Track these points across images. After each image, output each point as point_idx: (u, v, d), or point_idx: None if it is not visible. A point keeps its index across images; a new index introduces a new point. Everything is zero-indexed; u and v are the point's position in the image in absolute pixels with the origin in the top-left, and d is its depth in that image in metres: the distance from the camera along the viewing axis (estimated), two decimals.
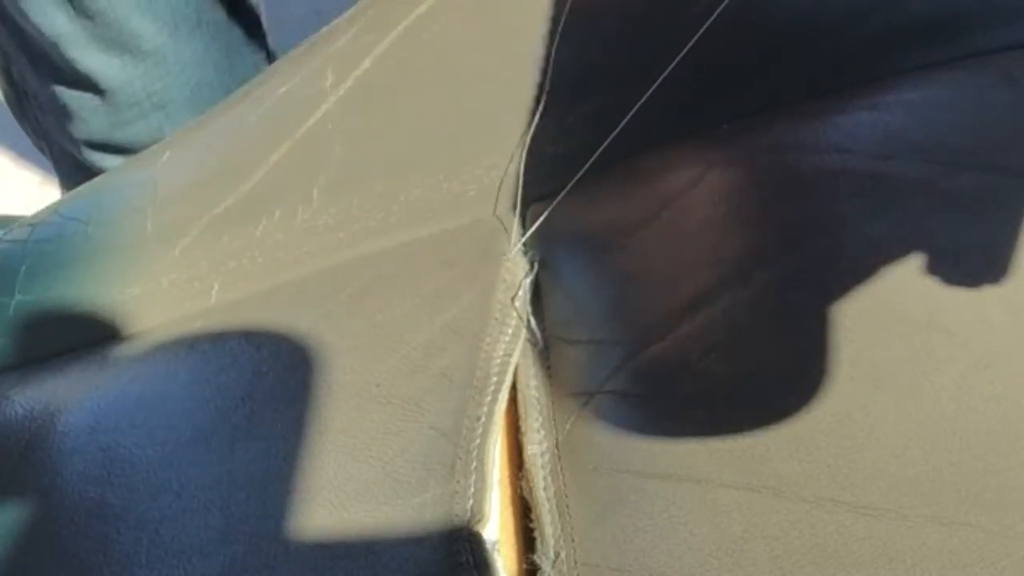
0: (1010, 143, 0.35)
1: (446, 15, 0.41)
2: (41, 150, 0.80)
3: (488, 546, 0.30)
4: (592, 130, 0.41)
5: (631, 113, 0.40)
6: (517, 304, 0.37)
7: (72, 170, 0.75)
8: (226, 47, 0.71)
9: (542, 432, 0.34)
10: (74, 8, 0.64)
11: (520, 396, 0.35)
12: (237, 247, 0.42)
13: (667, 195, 0.39)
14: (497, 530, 0.32)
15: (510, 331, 0.36)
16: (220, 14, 0.70)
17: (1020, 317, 0.31)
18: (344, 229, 0.42)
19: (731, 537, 0.29)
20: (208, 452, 0.35)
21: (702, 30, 0.38)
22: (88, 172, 0.73)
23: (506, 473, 0.34)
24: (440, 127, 0.42)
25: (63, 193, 0.82)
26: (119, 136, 0.71)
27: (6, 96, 0.76)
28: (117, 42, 0.65)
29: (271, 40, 0.77)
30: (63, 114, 0.70)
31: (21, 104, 0.75)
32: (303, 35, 0.44)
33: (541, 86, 0.41)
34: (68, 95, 0.69)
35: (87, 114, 0.69)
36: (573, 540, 0.31)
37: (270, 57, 0.76)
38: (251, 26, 0.74)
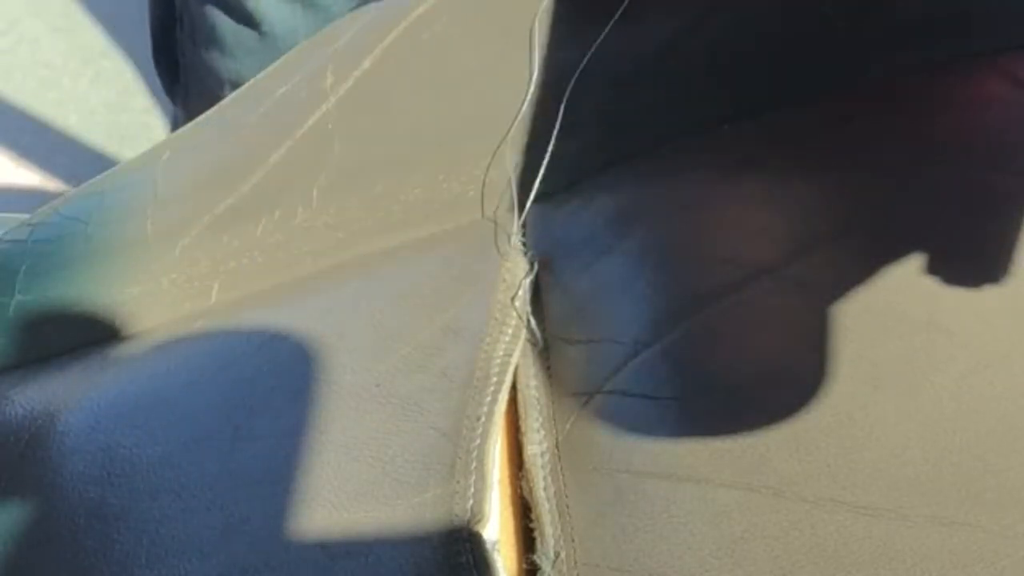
0: (1011, 143, 0.35)
1: (446, 15, 0.41)
2: (171, 95, 0.78)
3: (488, 546, 0.30)
4: (592, 130, 0.41)
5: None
6: (517, 304, 0.37)
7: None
8: None
9: (542, 432, 0.34)
10: None
11: (520, 396, 0.35)
12: (237, 247, 0.42)
13: (667, 196, 0.39)
14: (497, 530, 0.32)
15: (510, 331, 0.36)
16: None
17: (1020, 317, 0.31)
18: (344, 229, 0.42)
19: (731, 537, 0.29)
20: (208, 452, 0.35)
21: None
22: None
23: (506, 473, 0.34)
24: (440, 127, 0.42)
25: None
26: None
27: (153, 25, 0.74)
28: None
29: None
30: (218, 47, 0.69)
31: (168, 36, 0.74)
32: None
33: (541, 86, 0.41)
34: (229, 28, 0.67)
35: (242, 52, 0.68)
36: (573, 540, 0.31)
37: None
38: None
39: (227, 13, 0.67)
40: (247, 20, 0.67)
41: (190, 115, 0.78)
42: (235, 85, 0.70)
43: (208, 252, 0.42)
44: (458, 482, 0.32)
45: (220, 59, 0.69)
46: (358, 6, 0.42)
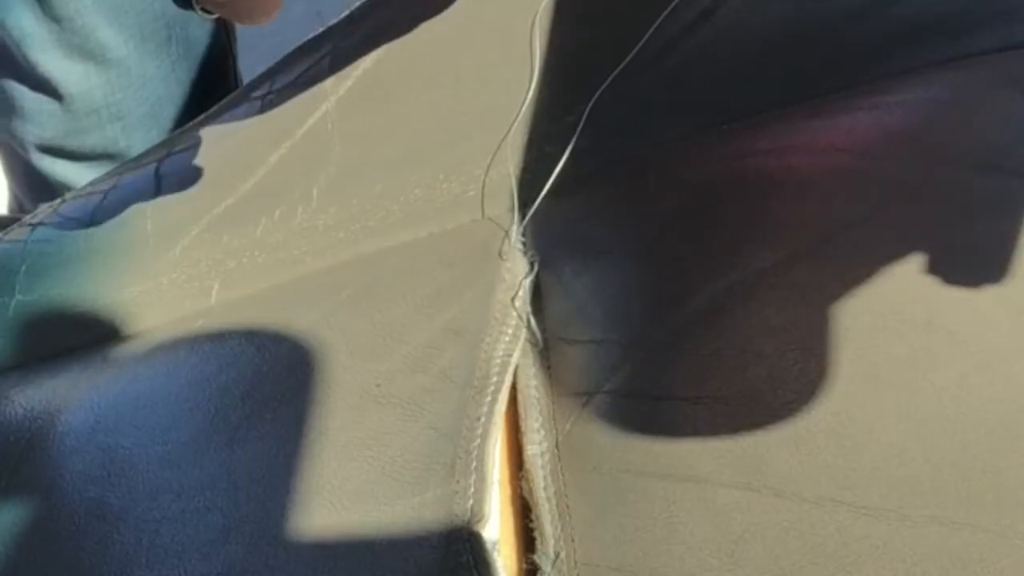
0: (1011, 143, 0.35)
1: (446, 15, 0.41)
2: None
3: (488, 546, 0.30)
4: (592, 130, 0.41)
5: (592, 107, 0.40)
6: (517, 304, 0.37)
7: (22, 173, 0.75)
8: (194, 68, 0.71)
9: (542, 432, 0.34)
10: (42, 10, 0.63)
11: (520, 396, 0.35)
12: (237, 247, 0.42)
13: (666, 195, 0.39)
14: (497, 530, 0.32)
15: (510, 331, 0.36)
16: (193, 35, 0.70)
17: (1020, 317, 0.31)
18: (344, 229, 0.42)
19: (731, 537, 0.29)
20: (208, 452, 0.35)
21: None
22: (37, 176, 0.72)
23: (506, 473, 0.34)
24: (440, 127, 0.42)
25: (13, 196, 0.82)
26: (73, 143, 0.70)
27: None
28: (82, 49, 0.65)
29: (270, 43, 0.77)
30: (19, 115, 0.69)
31: None
32: (303, 35, 0.44)
33: (540, 86, 0.41)
34: (26, 96, 0.68)
35: (43, 118, 0.68)
36: (573, 540, 0.31)
37: (239, 84, 0.75)
38: (222, 51, 0.74)
39: (22, 83, 0.67)
40: (43, 88, 0.67)
41: (13, 178, 0.78)
42: (41, 148, 0.71)
43: (208, 252, 0.42)
44: (458, 482, 0.32)
45: (23, 125, 0.69)
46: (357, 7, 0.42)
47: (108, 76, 0.67)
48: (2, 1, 0.63)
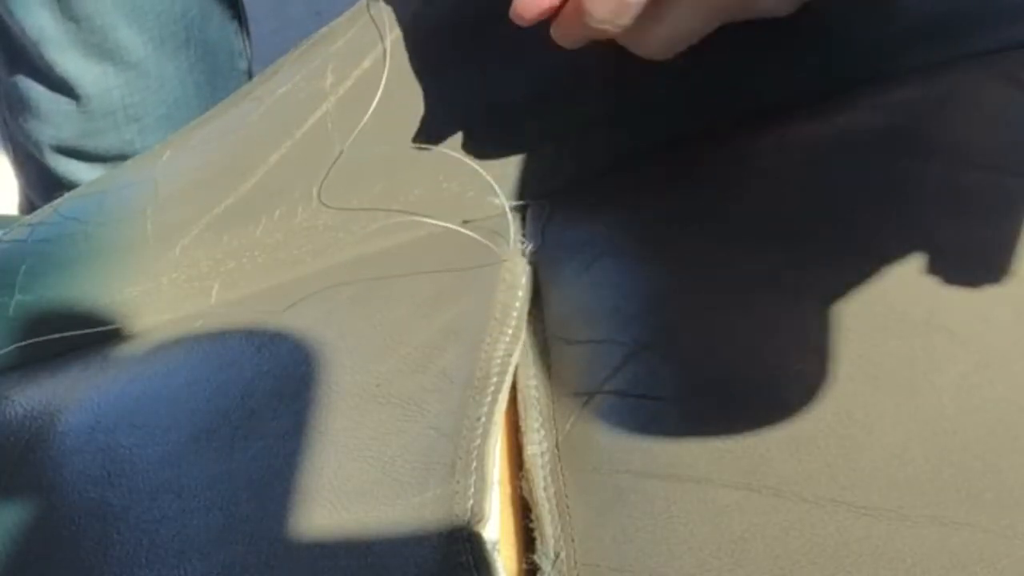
0: (1011, 143, 0.35)
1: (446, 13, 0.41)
2: (8, 150, 0.79)
3: (488, 546, 0.30)
4: (593, 131, 0.41)
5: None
6: (517, 304, 0.37)
7: (35, 175, 0.74)
8: (210, 70, 0.71)
9: (542, 432, 0.34)
10: (60, 10, 0.63)
11: (520, 396, 0.35)
12: (237, 247, 0.42)
13: (666, 195, 0.39)
14: (497, 530, 0.32)
15: (510, 331, 0.36)
16: (211, 38, 0.70)
17: (1021, 317, 0.31)
18: (344, 229, 0.42)
19: (731, 537, 0.29)
20: (208, 452, 0.35)
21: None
22: (51, 177, 0.72)
23: (506, 473, 0.34)
24: (440, 127, 0.42)
25: (24, 197, 0.82)
26: (89, 144, 0.69)
27: None
28: (100, 49, 0.65)
29: (270, 43, 0.77)
30: (34, 116, 0.69)
31: None
32: (303, 35, 0.44)
33: (540, 86, 0.41)
34: (43, 97, 0.68)
35: (60, 119, 0.68)
36: (573, 540, 0.31)
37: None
38: (236, 54, 0.74)
39: (39, 81, 0.67)
40: (60, 88, 0.66)
41: (25, 178, 0.78)
42: (57, 149, 0.70)
43: (208, 252, 0.42)
44: (458, 482, 0.32)
45: (39, 126, 0.69)
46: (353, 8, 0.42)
47: (126, 77, 0.67)
48: (20, 0, 0.63)
